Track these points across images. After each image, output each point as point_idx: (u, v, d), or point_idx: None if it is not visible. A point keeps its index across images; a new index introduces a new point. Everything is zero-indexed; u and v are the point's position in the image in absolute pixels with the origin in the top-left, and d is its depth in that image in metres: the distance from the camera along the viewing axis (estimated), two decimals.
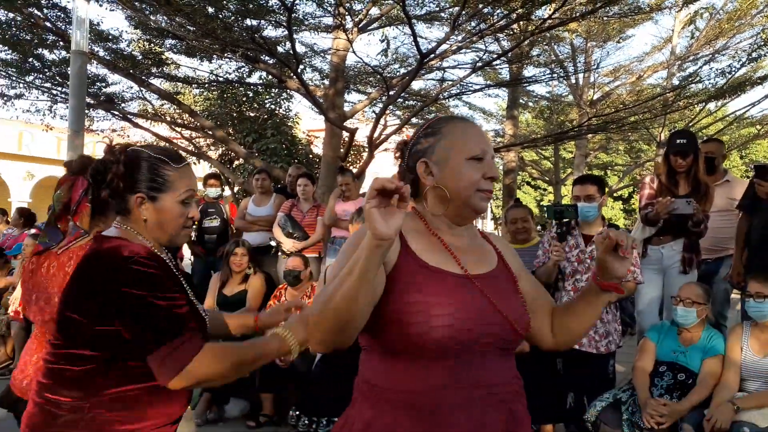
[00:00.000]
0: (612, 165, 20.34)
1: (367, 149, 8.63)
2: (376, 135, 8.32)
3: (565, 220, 3.69)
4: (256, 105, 13.57)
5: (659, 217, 3.86)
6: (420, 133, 1.46)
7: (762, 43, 10.89)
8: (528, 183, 26.91)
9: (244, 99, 13.24)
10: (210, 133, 9.92)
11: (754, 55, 11.11)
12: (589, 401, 3.66)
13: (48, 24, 8.54)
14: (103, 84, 10.23)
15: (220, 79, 10.73)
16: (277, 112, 13.32)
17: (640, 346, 3.44)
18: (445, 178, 1.36)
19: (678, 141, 4.03)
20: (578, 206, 3.63)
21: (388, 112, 9.77)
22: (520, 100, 14.72)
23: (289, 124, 13.57)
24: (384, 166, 9.30)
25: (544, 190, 25.42)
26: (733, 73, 10.71)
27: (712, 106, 13.65)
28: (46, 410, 1.49)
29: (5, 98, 9.74)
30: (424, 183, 1.38)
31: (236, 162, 13.07)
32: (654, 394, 3.27)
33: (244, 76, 10.75)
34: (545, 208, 3.82)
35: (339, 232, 5.24)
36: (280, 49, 10.31)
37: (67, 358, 1.47)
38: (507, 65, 12.05)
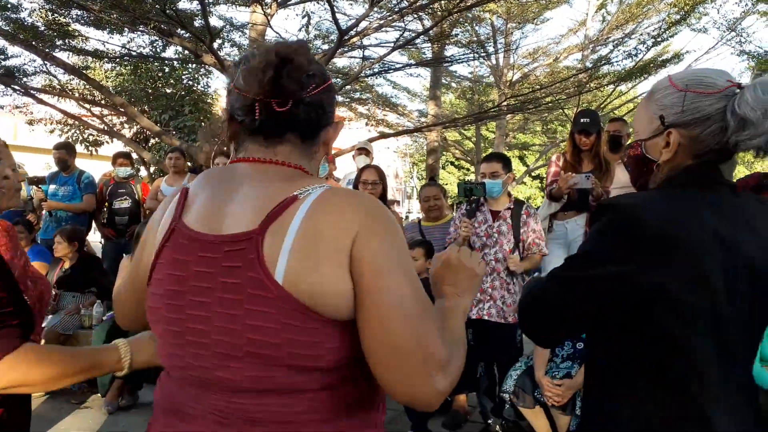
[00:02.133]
0: (530, 145, 20.99)
1: None
2: None
3: (474, 197, 3.79)
4: (172, 81, 13.08)
5: (561, 192, 4.04)
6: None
7: (666, 28, 11.48)
8: (452, 163, 27.37)
9: (160, 74, 12.72)
10: (121, 110, 9.45)
11: (658, 39, 11.70)
12: (499, 370, 3.81)
13: None
14: (2, 56, 9.56)
15: (133, 53, 10.25)
16: (195, 88, 12.88)
17: None
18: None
19: (582, 120, 4.21)
20: (485, 183, 3.74)
21: None
22: (443, 80, 14.91)
23: (207, 101, 13.17)
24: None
25: (467, 169, 25.95)
26: (640, 55, 11.24)
27: (623, 87, 14.30)
28: None
29: None
30: (328, 146, 1.17)
31: (152, 141, 12.60)
32: (556, 363, 3.43)
33: (159, 50, 10.32)
34: (457, 186, 3.91)
35: None
36: (196, 23, 9.96)
37: None
38: (429, 44, 12.16)
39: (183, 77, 12.85)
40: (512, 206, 3.83)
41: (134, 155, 8.64)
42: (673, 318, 1.11)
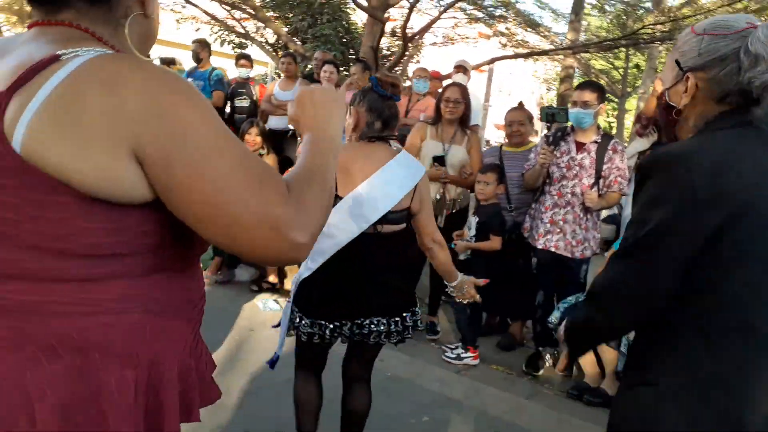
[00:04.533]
0: None
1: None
2: (413, 27, 8.04)
3: (556, 123, 3.70)
4: None
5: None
6: None
7: None
8: None
9: None
10: (254, 13, 9.86)
11: None
12: (558, 302, 3.82)
13: None
14: None
15: None
16: None
17: (607, 256, 3.52)
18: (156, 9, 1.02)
19: None
20: (569, 110, 3.62)
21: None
22: (590, 1, 13.80)
23: (347, 9, 13.28)
24: (434, 62, 9.10)
25: (612, 101, 24.28)
26: None
27: None
28: None
29: None
30: (145, 6, 0.99)
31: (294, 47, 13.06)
32: None
33: None
34: (539, 111, 3.81)
35: None
36: None
37: None
38: None
39: None
40: (599, 140, 3.68)
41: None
42: (735, 264, 1.11)
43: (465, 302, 2.28)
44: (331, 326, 2.12)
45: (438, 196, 4.09)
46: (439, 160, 4.02)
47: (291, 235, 0.83)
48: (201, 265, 1.07)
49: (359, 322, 2.14)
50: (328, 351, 2.33)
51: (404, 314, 2.20)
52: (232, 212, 0.81)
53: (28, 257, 0.81)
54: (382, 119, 2.15)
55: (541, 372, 3.86)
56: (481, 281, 2.22)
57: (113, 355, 0.86)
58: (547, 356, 3.96)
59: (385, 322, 2.16)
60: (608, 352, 3.39)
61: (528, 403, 3.46)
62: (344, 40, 13.34)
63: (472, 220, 3.89)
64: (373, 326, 2.14)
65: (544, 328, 3.76)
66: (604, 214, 4.20)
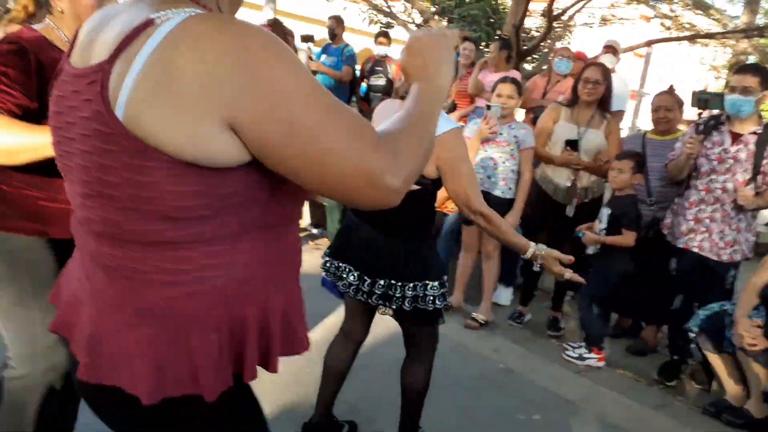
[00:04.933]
0: None
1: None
2: (558, 6, 7.62)
3: (708, 110, 3.29)
4: None
5: None
6: None
7: None
8: None
9: None
10: None
11: None
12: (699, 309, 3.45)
13: None
14: None
15: None
16: None
17: (763, 261, 3.09)
18: None
19: None
20: (726, 96, 3.20)
21: None
22: None
23: None
24: (586, 44, 8.53)
25: None
26: None
27: None
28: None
29: None
30: None
31: (436, 25, 12.98)
32: (761, 311, 2.98)
33: None
34: (691, 95, 3.40)
35: (481, 101, 5.17)
36: None
37: None
38: None
39: None
40: (760, 131, 3.23)
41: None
42: None
43: (565, 277, 2.04)
44: (351, 277, 2.16)
45: (569, 183, 3.84)
46: (572, 144, 3.75)
47: (385, 181, 0.85)
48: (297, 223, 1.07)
49: (370, 280, 2.13)
50: (369, 321, 2.39)
51: (412, 284, 2.11)
52: (327, 162, 0.83)
53: (125, 218, 0.86)
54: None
55: (674, 382, 3.51)
56: (568, 258, 1.99)
57: (198, 321, 0.91)
58: (685, 366, 3.59)
59: (382, 284, 2.11)
60: (757, 369, 2.99)
61: (655, 413, 3.16)
62: (491, 20, 13.01)
63: (604, 212, 3.59)
64: (377, 288, 2.12)
65: (681, 335, 3.41)
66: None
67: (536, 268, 2.12)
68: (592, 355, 3.59)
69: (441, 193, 5.00)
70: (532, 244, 2.03)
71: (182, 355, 0.91)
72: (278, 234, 0.98)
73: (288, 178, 0.87)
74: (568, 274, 1.99)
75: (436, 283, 2.13)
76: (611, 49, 5.16)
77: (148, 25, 0.82)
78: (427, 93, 1.00)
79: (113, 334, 0.91)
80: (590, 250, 3.61)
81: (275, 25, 4.19)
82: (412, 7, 12.87)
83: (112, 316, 0.92)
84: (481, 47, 12.06)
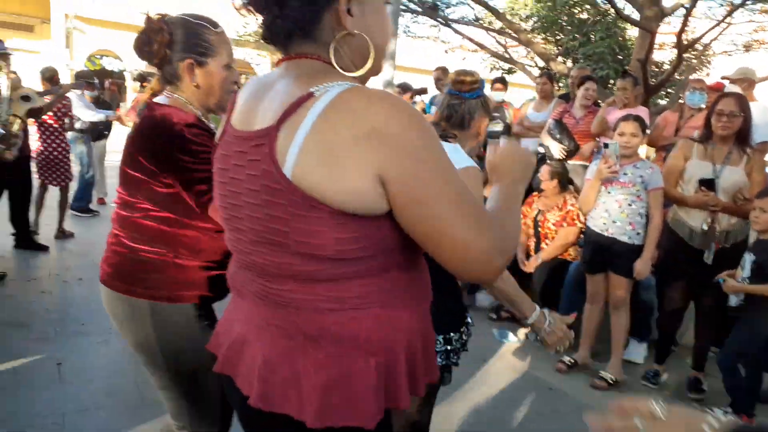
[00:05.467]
0: None
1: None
2: (688, 35, 7.10)
3: None
4: (587, 6, 12.79)
5: None
6: None
7: None
8: None
9: (574, 1, 12.57)
10: (515, 35, 9.74)
11: None
12: None
13: None
14: None
15: None
16: (608, 12, 12.35)
17: None
18: (370, 26, 1.06)
19: None
20: None
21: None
22: None
23: (620, 25, 12.48)
24: (721, 72, 7.88)
25: None
26: None
27: None
28: (130, 258, 1.69)
29: None
30: (342, 24, 1.03)
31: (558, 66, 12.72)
32: None
33: None
34: None
35: (607, 139, 4.87)
36: None
37: (139, 211, 1.67)
38: None
39: (597, 1, 12.41)
40: None
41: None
42: None
43: (557, 348, 1.76)
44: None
45: (705, 227, 3.45)
46: (708, 184, 3.39)
47: (493, 259, 0.97)
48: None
49: None
50: None
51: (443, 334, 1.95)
52: (449, 233, 0.94)
53: (295, 261, 0.99)
54: (444, 118, 2.11)
55: None
56: (570, 318, 1.73)
57: (359, 345, 1.01)
58: None
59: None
60: None
61: None
62: (619, 57, 12.54)
63: (747, 258, 3.18)
64: None
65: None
66: None
67: (534, 341, 1.84)
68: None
69: (564, 239, 4.72)
70: (538, 308, 1.81)
71: (345, 379, 1.00)
72: (416, 269, 1.11)
73: (414, 238, 0.99)
74: (568, 341, 1.77)
75: (439, 337, 1.95)
76: (745, 80, 4.68)
77: (309, 97, 0.95)
78: (510, 192, 1.21)
79: (285, 360, 1.03)
80: (733, 302, 3.20)
81: None
82: (532, 52, 12.76)
83: (284, 343, 1.03)
84: (610, 85, 11.60)
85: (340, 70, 1.03)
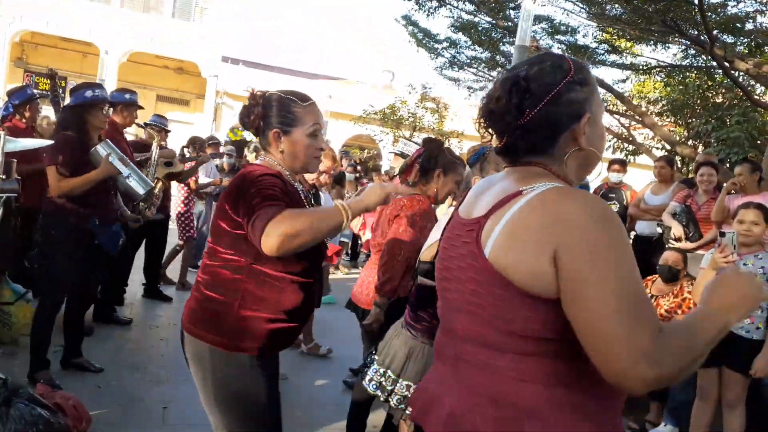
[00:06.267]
0: None
1: None
2: None
3: None
4: (722, 90, 12.22)
5: None
6: (568, 78, 1.15)
7: None
8: None
9: (708, 84, 12.07)
10: (640, 119, 9.47)
11: None
12: None
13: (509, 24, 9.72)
14: None
15: (662, 63, 10.13)
16: (741, 96, 11.74)
17: None
18: (595, 140, 1.20)
19: None
20: None
21: None
22: None
23: (759, 109, 11.75)
24: None
25: None
26: None
27: None
28: (202, 303, 1.81)
29: (471, 90, 11.59)
30: (578, 142, 1.17)
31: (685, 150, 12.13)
32: None
33: (692, 59, 9.87)
34: None
35: (727, 228, 4.56)
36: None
37: (220, 260, 1.81)
38: None
39: (731, 85, 11.84)
40: None
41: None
42: None
43: None
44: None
45: None
46: None
47: (639, 364, 0.95)
48: None
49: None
50: None
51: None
52: (604, 331, 0.97)
53: (487, 331, 1.13)
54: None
55: None
56: None
57: (536, 418, 1.08)
58: None
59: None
60: None
61: None
62: (758, 142, 11.75)
63: None
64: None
65: None
66: None
67: None
68: None
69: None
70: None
71: None
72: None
73: (573, 327, 1.02)
74: None
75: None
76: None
77: (517, 194, 1.11)
78: (714, 320, 1.08)
79: (468, 414, 1.14)
80: None
81: None
82: (656, 135, 12.33)
83: (470, 399, 1.15)
84: None
85: (555, 177, 1.16)
